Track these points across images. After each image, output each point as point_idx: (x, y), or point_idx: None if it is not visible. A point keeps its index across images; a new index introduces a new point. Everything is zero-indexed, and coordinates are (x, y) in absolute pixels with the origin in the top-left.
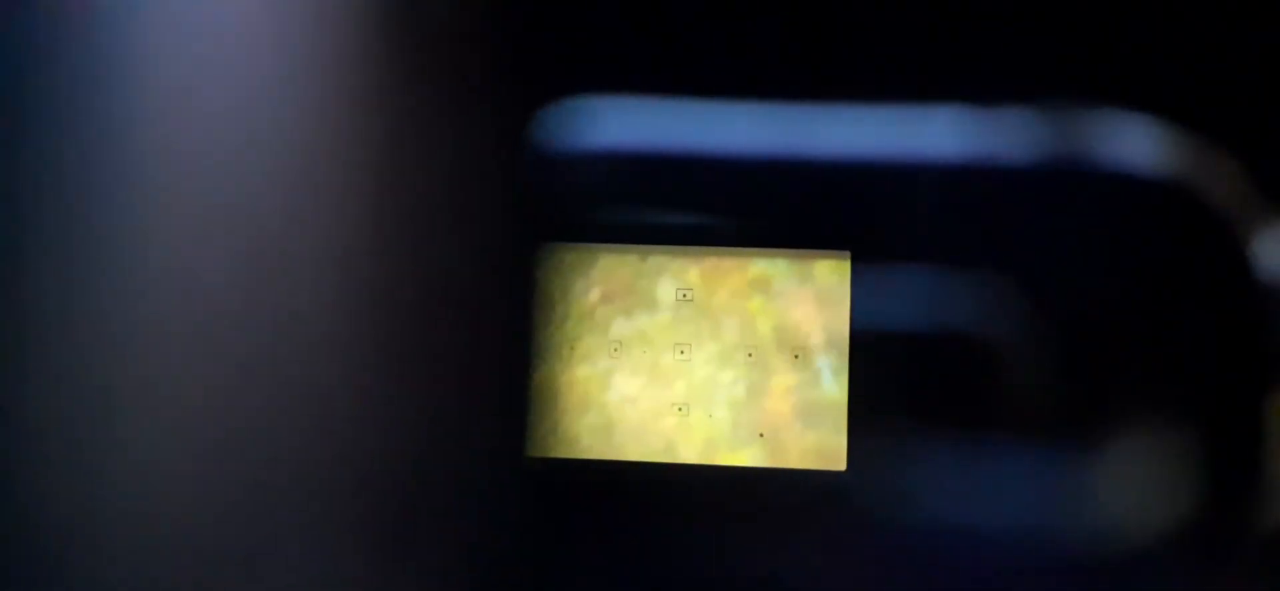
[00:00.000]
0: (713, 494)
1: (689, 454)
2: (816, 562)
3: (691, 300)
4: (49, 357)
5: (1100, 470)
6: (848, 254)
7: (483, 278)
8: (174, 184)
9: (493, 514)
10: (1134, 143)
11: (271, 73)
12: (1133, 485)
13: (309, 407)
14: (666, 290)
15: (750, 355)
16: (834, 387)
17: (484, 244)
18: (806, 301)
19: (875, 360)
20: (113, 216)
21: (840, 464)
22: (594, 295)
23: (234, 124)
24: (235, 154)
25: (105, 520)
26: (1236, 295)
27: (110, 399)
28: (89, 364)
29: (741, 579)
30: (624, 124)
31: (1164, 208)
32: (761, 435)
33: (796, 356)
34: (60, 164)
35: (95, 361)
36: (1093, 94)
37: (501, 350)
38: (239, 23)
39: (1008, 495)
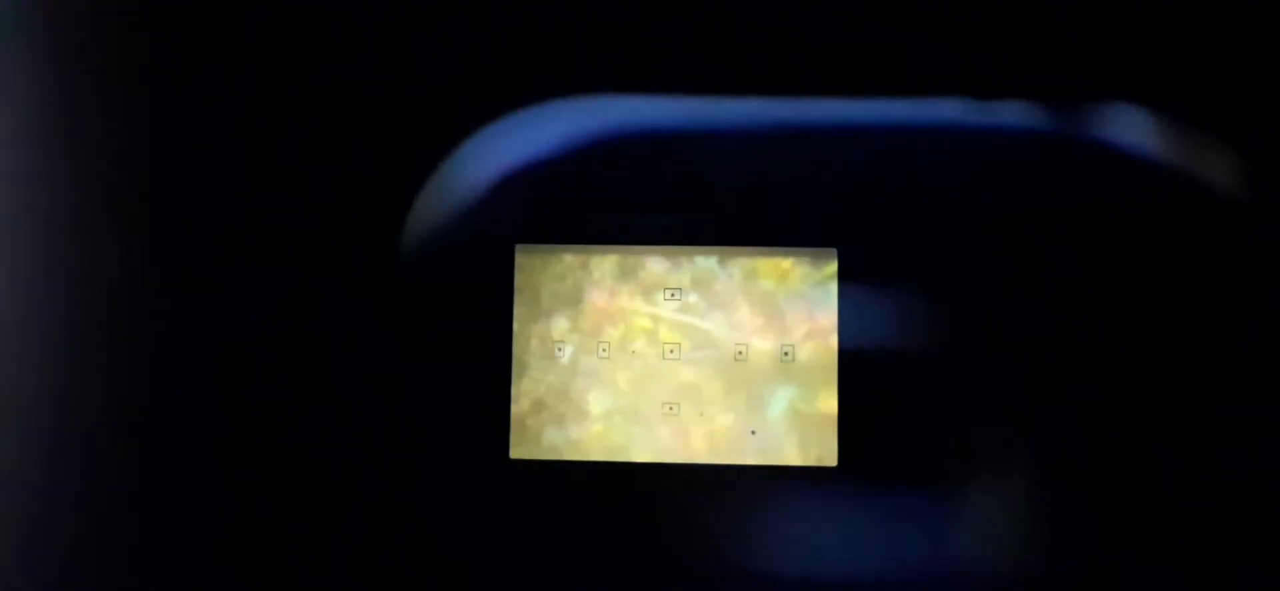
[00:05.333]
0: (705, 492)
1: (680, 453)
2: (809, 558)
3: (680, 300)
4: None
5: (1087, 462)
6: (834, 251)
7: (466, 281)
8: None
9: (479, 517)
10: (1121, 139)
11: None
12: (1121, 475)
13: (291, 415)
14: (655, 290)
15: (740, 353)
16: (824, 384)
17: (467, 247)
18: (794, 299)
19: (863, 356)
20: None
21: (831, 460)
22: (581, 295)
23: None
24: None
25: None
26: (1236, 295)
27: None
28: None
29: (734, 576)
30: (612, 124)
31: (1152, 204)
32: (753, 433)
33: (785, 354)
34: None
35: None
36: (1082, 91)
37: (486, 353)
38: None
39: (997, 488)
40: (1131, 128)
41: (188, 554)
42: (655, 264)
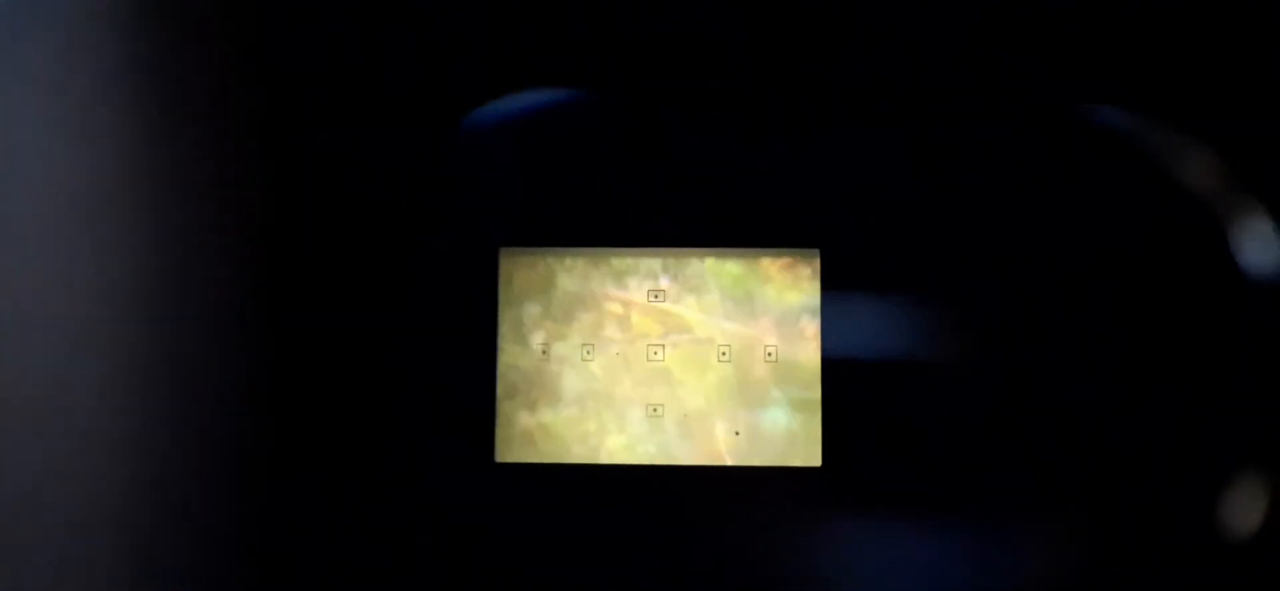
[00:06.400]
0: (689, 494)
1: (664, 455)
2: (793, 557)
3: (663, 300)
4: None
5: (1074, 461)
6: (817, 251)
7: (451, 284)
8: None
9: (465, 521)
10: (1111, 140)
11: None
12: (1109, 475)
13: (280, 415)
14: (638, 291)
15: (724, 354)
16: (807, 385)
17: (452, 250)
18: (778, 299)
19: (847, 356)
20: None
21: (815, 459)
22: (566, 297)
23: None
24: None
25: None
26: (1222, 297)
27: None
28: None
29: (720, 575)
30: (598, 125)
31: (1149, 205)
32: (737, 433)
33: (769, 354)
34: None
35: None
36: (1081, 91)
37: (471, 356)
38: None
39: (982, 487)
40: (1129, 127)
41: (177, 555)
42: (639, 265)
